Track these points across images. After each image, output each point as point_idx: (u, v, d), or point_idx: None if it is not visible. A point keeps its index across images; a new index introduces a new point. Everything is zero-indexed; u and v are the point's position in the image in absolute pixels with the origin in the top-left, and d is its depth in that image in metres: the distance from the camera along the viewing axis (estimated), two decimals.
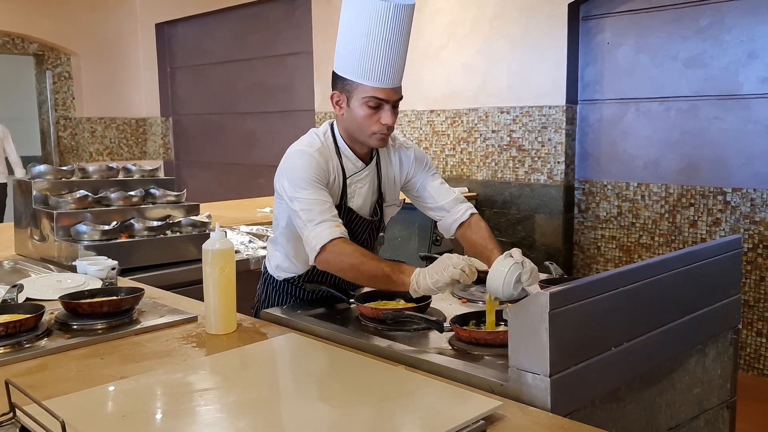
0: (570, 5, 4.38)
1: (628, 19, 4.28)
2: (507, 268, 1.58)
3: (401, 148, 2.01)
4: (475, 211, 2.03)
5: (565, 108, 4.48)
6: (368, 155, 1.92)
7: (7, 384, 1.13)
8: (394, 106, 1.79)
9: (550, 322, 1.24)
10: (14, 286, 1.92)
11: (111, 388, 1.33)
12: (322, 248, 1.69)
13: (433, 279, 1.58)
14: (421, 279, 1.60)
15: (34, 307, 1.71)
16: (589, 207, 4.60)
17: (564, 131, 4.49)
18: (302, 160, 1.79)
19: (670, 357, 1.63)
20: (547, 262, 2.22)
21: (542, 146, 4.61)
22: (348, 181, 1.86)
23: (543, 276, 2.20)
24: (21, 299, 1.87)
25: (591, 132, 4.54)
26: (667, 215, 4.23)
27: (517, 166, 4.77)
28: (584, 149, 4.57)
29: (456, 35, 5.01)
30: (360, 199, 1.90)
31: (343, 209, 1.85)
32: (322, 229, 1.70)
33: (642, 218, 4.36)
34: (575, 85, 4.53)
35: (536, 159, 4.65)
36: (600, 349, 1.39)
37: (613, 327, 1.44)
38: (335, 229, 1.71)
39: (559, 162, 4.54)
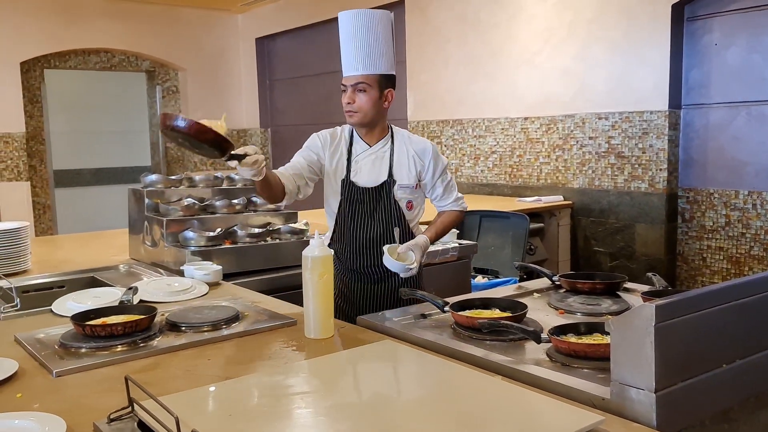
0: (674, 6, 4.20)
1: (739, 19, 4.05)
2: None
3: (418, 145, 2.36)
4: (453, 208, 2.44)
5: (667, 113, 4.29)
6: (374, 140, 2.33)
7: (126, 380, 1.21)
8: (355, 90, 2.22)
9: (656, 335, 1.19)
10: (130, 289, 2.05)
11: (217, 388, 1.40)
12: None
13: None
14: None
15: (148, 308, 1.82)
16: (693, 216, 4.38)
17: (666, 137, 4.30)
18: (309, 140, 2.35)
19: None
20: (649, 274, 2.14)
21: (643, 153, 4.44)
22: (352, 159, 2.31)
23: (644, 287, 2.12)
24: (135, 301, 2.00)
25: (696, 138, 4.32)
26: None
27: (615, 173, 4.61)
28: (688, 156, 4.36)
29: (552, 40, 4.92)
30: (365, 174, 2.30)
31: (347, 182, 2.29)
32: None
33: (753, 228, 4.10)
34: (679, 89, 4.33)
35: (636, 166, 4.48)
36: (710, 365, 1.32)
37: (725, 343, 1.36)
38: (279, 168, 2.24)
39: (661, 169, 4.35)
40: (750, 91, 4.04)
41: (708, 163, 4.28)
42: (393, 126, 2.39)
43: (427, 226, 2.43)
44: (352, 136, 2.35)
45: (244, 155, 1.91)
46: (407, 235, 2.32)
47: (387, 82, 2.27)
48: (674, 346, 1.24)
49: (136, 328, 1.69)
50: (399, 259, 2.17)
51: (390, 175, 2.30)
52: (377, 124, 2.32)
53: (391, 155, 2.32)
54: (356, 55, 2.22)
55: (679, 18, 4.26)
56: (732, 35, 4.09)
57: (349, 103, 2.24)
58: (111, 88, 8.38)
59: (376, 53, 2.22)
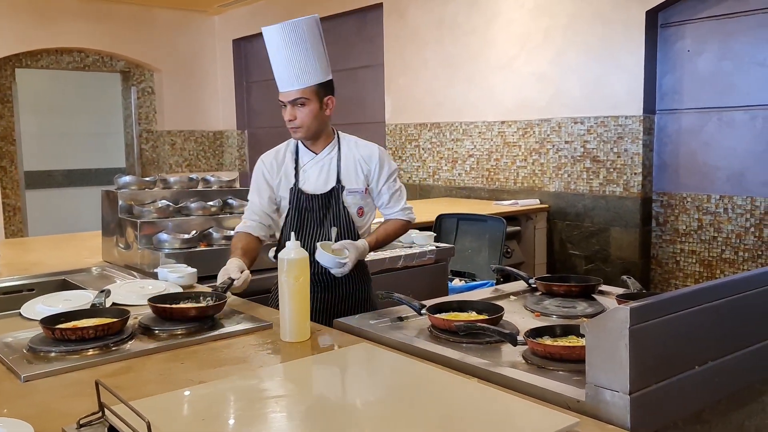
0: (648, 12, 4.26)
1: (711, 26, 4.12)
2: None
3: (365, 150, 2.34)
4: (399, 217, 2.41)
5: (642, 118, 4.35)
6: (320, 147, 2.31)
7: (97, 384, 1.19)
8: (295, 105, 2.20)
9: (630, 337, 1.20)
10: (102, 291, 2.01)
11: (191, 392, 1.38)
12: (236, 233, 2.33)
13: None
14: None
15: (120, 311, 1.79)
16: (667, 220, 4.44)
17: (641, 141, 4.36)
18: (255, 169, 2.36)
19: (759, 378, 1.55)
20: (624, 277, 2.16)
21: (618, 157, 4.49)
22: (300, 168, 2.31)
23: (619, 290, 2.14)
24: (108, 304, 1.96)
25: (670, 143, 4.38)
26: (752, 229, 4.03)
27: (591, 177, 4.65)
28: (662, 160, 4.42)
29: (528, 45, 4.96)
30: (312, 181, 2.29)
31: (295, 190, 2.29)
32: (240, 222, 2.33)
33: (725, 232, 4.17)
34: (653, 94, 4.39)
35: (612, 170, 4.53)
36: (683, 367, 1.33)
37: (697, 345, 1.38)
38: (243, 224, 2.31)
39: (635, 173, 4.41)
40: (721, 97, 4.11)
41: (681, 167, 4.34)
42: (339, 132, 2.38)
43: (372, 234, 2.39)
44: (297, 147, 2.34)
45: (231, 283, 1.99)
46: (341, 238, 2.27)
47: (325, 90, 2.24)
48: (648, 349, 1.25)
49: (108, 331, 1.66)
50: (333, 254, 2.14)
51: (338, 180, 2.29)
52: (322, 133, 2.30)
53: (338, 161, 2.31)
54: (290, 71, 2.18)
55: (653, 24, 4.32)
56: (704, 42, 4.16)
57: (291, 120, 2.21)
58: (84, 89, 8.27)
59: (309, 65, 2.19)
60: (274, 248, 2.42)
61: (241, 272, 2.04)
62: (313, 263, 2.13)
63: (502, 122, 5.20)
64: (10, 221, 7.23)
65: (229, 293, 1.98)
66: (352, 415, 1.28)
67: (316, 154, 2.32)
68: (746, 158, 4.03)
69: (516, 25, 5.03)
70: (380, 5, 6.06)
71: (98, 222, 2.92)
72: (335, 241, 2.20)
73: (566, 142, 4.78)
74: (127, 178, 2.83)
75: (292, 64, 2.18)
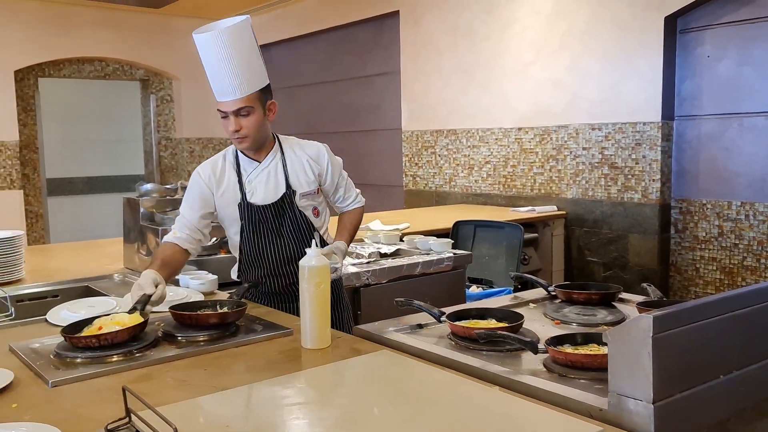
0: (667, 18, 4.24)
1: (731, 31, 4.09)
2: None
3: (311, 149, 2.30)
4: (355, 206, 2.42)
5: (660, 124, 4.32)
6: (263, 155, 2.23)
7: (124, 390, 1.21)
8: (238, 115, 2.10)
9: (654, 346, 1.20)
10: (142, 297, 1.98)
11: (214, 399, 1.39)
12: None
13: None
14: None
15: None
16: (686, 227, 4.40)
17: (659, 148, 4.33)
18: (190, 182, 2.24)
19: None
20: (644, 284, 2.14)
21: (636, 164, 4.46)
22: (244, 180, 2.20)
23: (640, 298, 2.13)
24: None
25: (689, 149, 4.35)
26: None
27: (609, 184, 4.63)
28: (681, 167, 4.39)
29: (544, 51, 4.95)
30: (261, 192, 2.20)
31: (244, 204, 2.19)
32: (169, 233, 2.21)
33: (746, 239, 4.12)
34: (671, 100, 4.37)
35: (630, 177, 4.51)
36: (707, 376, 1.33)
37: (722, 354, 1.37)
38: (172, 235, 2.19)
39: (654, 180, 4.38)
40: (741, 103, 4.08)
41: (700, 174, 4.31)
42: (278, 135, 2.31)
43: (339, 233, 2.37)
44: (237, 157, 2.23)
45: (147, 299, 1.86)
46: (321, 243, 2.26)
47: (266, 95, 2.17)
48: (672, 357, 1.25)
49: (129, 336, 1.68)
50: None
51: (288, 186, 2.22)
52: (267, 140, 2.23)
53: (284, 166, 2.23)
54: (229, 79, 2.06)
55: (671, 30, 4.30)
56: (724, 47, 4.13)
57: (236, 131, 2.11)
58: (105, 97, 8.38)
59: (249, 71, 2.09)
60: (235, 266, 2.34)
61: (156, 286, 1.91)
62: (293, 276, 2.09)
63: (519, 129, 5.19)
64: (32, 228, 7.33)
65: (148, 309, 1.84)
66: (374, 423, 1.29)
67: (260, 162, 2.22)
68: None
69: (532, 31, 5.03)
70: (396, 13, 6.08)
71: (118, 228, 2.95)
72: (318, 245, 2.11)
73: (584, 149, 4.76)
74: (148, 186, 2.86)
75: (232, 72, 2.06)
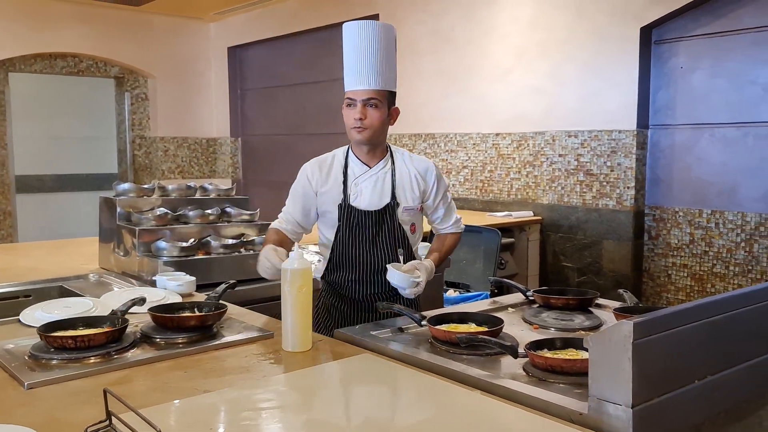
0: (642, 29, 4.31)
1: (704, 43, 4.18)
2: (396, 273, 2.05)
3: (421, 165, 2.28)
4: (453, 231, 2.39)
5: (635, 132, 4.40)
6: (374, 161, 2.23)
7: (105, 392, 1.19)
8: (366, 105, 2.13)
9: (634, 351, 1.22)
10: (135, 299, 1.96)
11: (194, 402, 1.38)
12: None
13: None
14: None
15: (119, 320, 1.78)
16: (659, 234, 4.48)
17: (634, 156, 4.41)
18: (298, 175, 2.30)
19: (756, 393, 1.57)
20: (621, 290, 2.18)
21: (611, 171, 4.53)
22: (350, 182, 2.21)
23: (615, 304, 2.16)
24: (144, 309, 1.92)
25: (662, 157, 4.43)
26: (743, 244, 4.08)
27: (584, 190, 4.69)
28: (655, 175, 4.47)
29: (524, 58, 5.00)
30: (366, 197, 2.20)
31: (345, 205, 2.19)
32: (274, 222, 2.33)
33: (716, 246, 4.21)
34: (646, 109, 4.44)
35: (605, 184, 4.57)
36: (684, 381, 1.35)
37: (697, 359, 1.40)
38: (276, 222, 2.32)
39: (628, 187, 4.45)
40: (713, 114, 4.17)
41: (673, 182, 4.39)
42: (391, 145, 2.30)
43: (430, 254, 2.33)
44: (347, 158, 2.23)
45: (143, 302, 1.95)
46: (411, 259, 2.22)
47: (392, 99, 2.19)
48: (651, 363, 1.27)
49: (107, 339, 1.66)
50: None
51: (393, 197, 2.20)
52: (381, 143, 2.22)
53: (393, 176, 2.22)
54: (368, 69, 2.11)
55: (647, 41, 4.38)
56: (697, 59, 4.22)
57: (361, 119, 2.11)
58: (77, 94, 8.23)
59: (387, 69, 2.14)
60: (322, 266, 2.34)
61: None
62: (384, 284, 2.12)
63: (497, 134, 5.23)
64: (0, 226, 7.18)
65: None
66: (354, 427, 1.29)
67: (370, 167, 2.22)
68: (738, 174, 4.09)
69: (512, 38, 5.08)
70: (376, 16, 6.09)
71: (90, 227, 2.91)
72: (403, 263, 2.12)
73: (560, 155, 4.82)
74: (125, 185, 2.82)
75: (372, 63, 2.12)
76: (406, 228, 2.23)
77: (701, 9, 4.16)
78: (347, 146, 2.28)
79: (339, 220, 2.20)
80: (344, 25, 2.19)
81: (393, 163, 2.24)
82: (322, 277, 2.33)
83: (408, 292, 2.06)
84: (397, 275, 2.04)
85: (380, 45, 2.13)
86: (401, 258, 2.13)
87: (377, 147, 2.22)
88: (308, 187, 2.24)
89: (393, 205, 2.20)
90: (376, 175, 2.22)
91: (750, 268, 4.06)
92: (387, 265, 2.06)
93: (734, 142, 4.09)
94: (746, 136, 4.04)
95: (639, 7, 4.31)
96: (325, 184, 2.22)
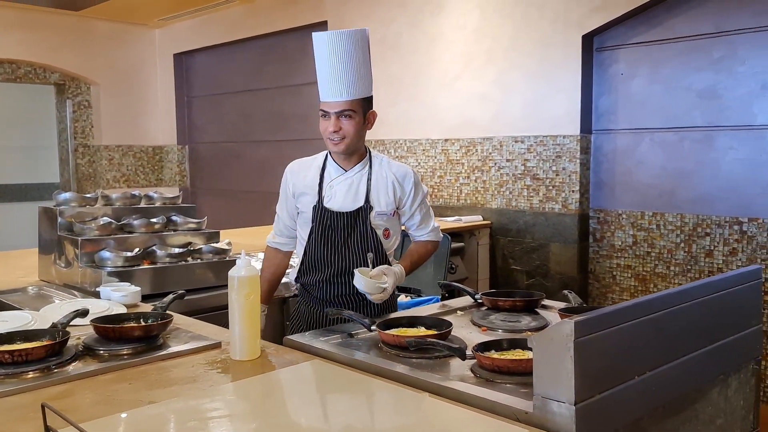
0: (584, 37, 4.44)
1: (642, 51, 4.33)
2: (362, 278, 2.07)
3: (399, 171, 2.30)
4: (430, 239, 2.45)
5: (579, 137, 4.51)
6: (351, 164, 2.26)
7: (43, 407, 1.16)
8: (340, 117, 2.14)
9: (575, 350, 1.25)
10: (77, 311, 1.90)
11: (140, 413, 1.35)
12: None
13: None
14: None
15: (60, 333, 1.73)
16: (604, 236, 4.60)
17: (578, 160, 4.52)
18: (283, 178, 2.36)
19: (693, 387, 1.63)
20: (565, 291, 2.24)
21: (557, 175, 4.64)
22: (325, 184, 2.24)
23: (561, 305, 2.21)
24: (86, 321, 1.86)
25: (605, 161, 4.56)
26: (682, 245, 4.23)
27: (531, 194, 4.79)
28: (599, 178, 4.59)
29: (471, 65, 5.08)
30: (339, 199, 2.23)
31: (319, 207, 2.23)
32: (271, 235, 2.45)
33: (657, 248, 4.35)
34: (589, 115, 4.57)
35: (551, 188, 4.68)
36: (624, 377, 1.40)
37: (637, 356, 1.45)
38: (273, 239, 2.44)
39: (573, 191, 4.56)
40: (652, 119, 4.31)
41: (616, 185, 4.52)
42: (371, 149, 2.32)
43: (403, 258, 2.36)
44: (325, 161, 2.27)
45: (85, 313, 1.90)
46: (383, 263, 2.23)
47: (369, 104, 2.21)
48: (592, 360, 1.31)
49: (46, 353, 1.61)
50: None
51: (367, 200, 2.22)
52: (359, 149, 2.24)
53: (369, 180, 2.24)
54: (339, 80, 2.12)
55: (588, 48, 4.51)
56: (636, 66, 4.36)
57: (335, 132, 2.14)
58: (15, 101, 7.95)
59: (358, 77, 2.14)
60: (295, 269, 2.37)
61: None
62: (356, 294, 2.14)
63: (446, 140, 5.30)
64: None
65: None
66: None
67: (346, 170, 2.25)
68: (676, 177, 4.24)
69: (458, 46, 5.15)
70: (325, 23, 6.10)
71: (29, 239, 2.82)
72: (372, 267, 2.13)
73: (507, 160, 4.90)
74: (66, 195, 2.75)
75: (343, 74, 2.13)
76: (379, 232, 2.24)
77: (638, 18, 4.31)
78: (327, 151, 2.32)
79: (313, 221, 2.22)
80: (314, 35, 2.20)
81: (370, 167, 2.27)
82: (296, 279, 2.36)
83: (373, 298, 2.09)
84: (362, 281, 2.05)
85: (351, 54, 2.13)
86: (371, 262, 2.14)
87: (356, 152, 2.25)
88: (289, 188, 2.30)
89: (366, 208, 2.22)
90: (352, 179, 2.25)
91: (689, 267, 4.21)
92: (354, 270, 2.08)
93: (671, 146, 4.24)
94: (682, 140, 4.19)
95: (580, 16, 4.43)
96: (302, 185, 2.27)
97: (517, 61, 4.79)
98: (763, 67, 3.85)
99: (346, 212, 2.21)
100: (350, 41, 2.14)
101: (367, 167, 2.26)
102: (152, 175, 8.21)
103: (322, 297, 2.28)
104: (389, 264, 2.25)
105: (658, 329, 1.50)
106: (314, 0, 6.17)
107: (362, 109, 2.17)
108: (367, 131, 2.24)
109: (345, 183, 2.24)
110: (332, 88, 2.13)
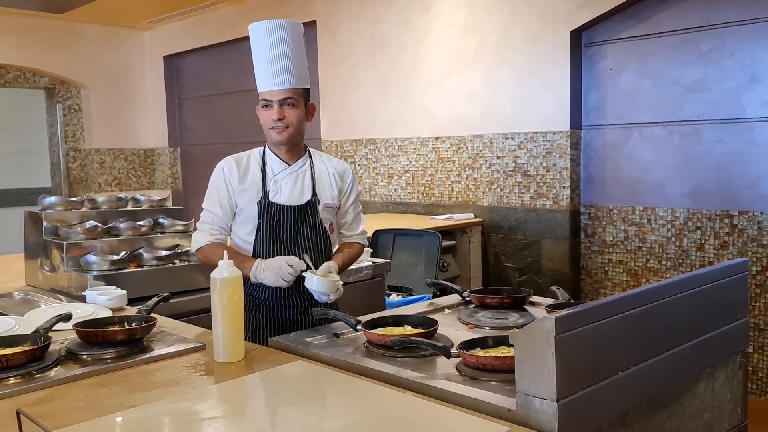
0: (572, 32, 4.43)
1: (630, 46, 4.33)
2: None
3: (338, 166, 2.32)
4: (359, 241, 2.39)
5: (569, 133, 4.51)
6: (293, 158, 2.23)
7: (18, 414, 1.14)
8: (283, 105, 2.13)
9: (557, 346, 1.25)
10: (60, 315, 1.89)
11: (120, 418, 1.34)
12: (198, 250, 2.19)
13: (263, 275, 2.03)
14: (258, 273, 2.03)
15: (41, 338, 1.71)
16: (595, 231, 4.60)
17: (569, 156, 4.52)
18: (213, 174, 2.23)
19: (679, 381, 1.63)
20: (553, 287, 2.23)
21: (547, 171, 4.63)
22: (269, 180, 2.19)
23: (549, 301, 2.21)
24: (69, 325, 1.84)
25: (596, 157, 4.56)
26: (673, 239, 4.23)
27: (522, 191, 4.78)
28: (589, 174, 4.59)
29: (460, 63, 5.07)
30: (286, 193, 2.19)
31: (264, 202, 2.17)
32: (202, 235, 2.19)
33: (648, 242, 4.35)
34: (579, 110, 4.57)
35: (541, 184, 4.67)
36: (607, 373, 1.39)
37: (620, 351, 1.44)
38: (210, 237, 2.18)
39: (564, 187, 4.56)
40: (640, 114, 4.31)
41: (606, 180, 4.52)
42: (307, 146, 2.32)
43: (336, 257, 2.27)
44: (264, 156, 2.22)
45: (68, 317, 1.86)
46: (326, 260, 2.17)
47: (308, 97, 2.20)
48: (574, 356, 1.30)
49: (27, 358, 1.59)
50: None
51: (314, 193, 2.21)
52: (301, 141, 2.24)
53: (312, 174, 2.24)
54: (281, 68, 2.11)
55: (577, 44, 4.50)
56: (624, 61, 4.36)
57: (279, 120, 2.12)
58: (5, 105, 7.92)
59: (299, 66, 2.15)
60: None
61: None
62: (305, 291, 2.06)
63: (436, 138, 5.29)
64: None
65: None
66: None
67: (289, 165, 2.22)
68: (666, 171, 4.24)
69: (447, 44, 5.14)
70: (314, 23, 6.08)
71: (20, 244, 2.80)
72: (314, 267, 2.05)
73: (498, 158, 4.90)
74: (52, 199, 2.73)
75: (285, 62, 2.12)
76: (326, 226, 2.24)
77: (626, 13, 4.30)
78: (263, 147, 2.27)
79: (259, 218, 2.16)
80: (251, 26, 2.19)
81: (312, 161, 2.27)
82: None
83: (332, 297, 2.02)
84: (319, 282, 1.97)
85: (292, 43, 2.14)
86: (309, 263, 2.06)
87: (296, 146, 2.23)
88: (228, 185, 2.19)
89: (314, 201, 2.21)
90: (296, 173, 2.22)
91: (681, 261, 4.22)
92: (303, 274, 2.01)
93: (661, 140, 4.24)
94: (672, 134, 4.19)
95: (568, 12, 4.43)
96: (243, 182, 2.18)
97: (506, 57, 4.78)
98: (751, 59, 3.85)
99: (295, 206, 2.18)
100: (288, 31, 2.14)
101: (308, 161, 2.26)
102: (144, 178, 8.18)
103: (272, 299, 2.19)
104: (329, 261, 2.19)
105: (642, 324, 1.49)
106: (303, 0, 6.15)
107: (303, 99, 2.17)
108: (308, 121, 2.24)
109: (290, 177, 2.21)
110: (274, 76, 2.12)
